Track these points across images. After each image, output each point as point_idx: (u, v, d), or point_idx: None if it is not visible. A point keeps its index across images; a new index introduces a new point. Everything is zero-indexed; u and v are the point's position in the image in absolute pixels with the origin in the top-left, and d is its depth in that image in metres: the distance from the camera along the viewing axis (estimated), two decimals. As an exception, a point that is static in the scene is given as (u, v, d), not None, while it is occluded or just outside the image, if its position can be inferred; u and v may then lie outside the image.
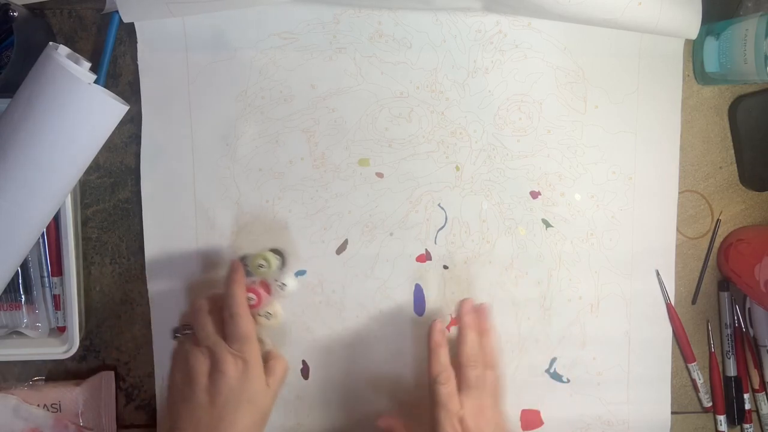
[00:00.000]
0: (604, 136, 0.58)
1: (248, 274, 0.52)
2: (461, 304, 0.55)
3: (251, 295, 0.50)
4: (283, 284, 0.52)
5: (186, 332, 0.49)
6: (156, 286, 0.57)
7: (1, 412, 0.54)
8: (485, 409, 0.50)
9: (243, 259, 0.53)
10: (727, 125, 0.59)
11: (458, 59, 0.57)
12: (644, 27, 0.54)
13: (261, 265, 0.51)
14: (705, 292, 0.61)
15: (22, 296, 0.55)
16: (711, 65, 0.56)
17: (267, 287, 0.52)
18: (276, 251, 0.53)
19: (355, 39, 0.56)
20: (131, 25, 0.55)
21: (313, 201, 0.57)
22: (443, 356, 0.51)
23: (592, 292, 0.59)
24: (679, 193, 0.59)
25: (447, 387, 0.50)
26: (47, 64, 0.46)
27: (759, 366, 0.61)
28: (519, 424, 0.60)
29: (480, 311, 0.55)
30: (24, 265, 0.54)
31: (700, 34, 0.55)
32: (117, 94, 0.49)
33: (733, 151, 0.59)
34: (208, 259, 0.57)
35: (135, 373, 0.59)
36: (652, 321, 0.60)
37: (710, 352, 0.61)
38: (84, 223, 0.57)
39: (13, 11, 0.49)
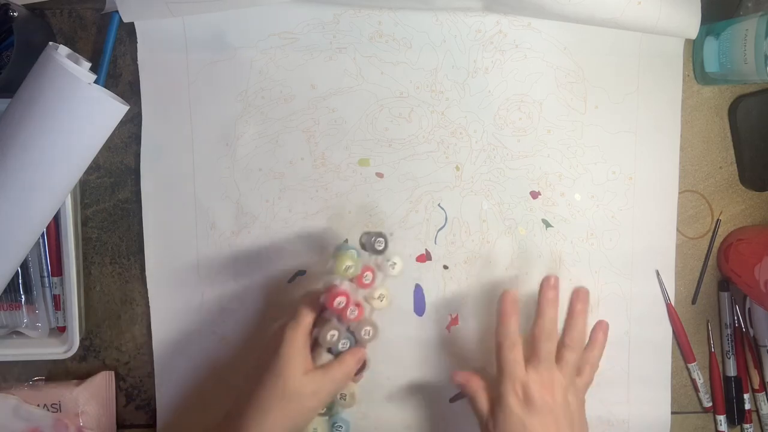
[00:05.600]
0: (604, 136, 0.58)
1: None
2: (545, 279, 0.54)
3: (341, 298, 0.49)
4: (395, 263, 0.51)
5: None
6: (156, 286, 0.57)
7: (1, 412, 0.54)
8: (556, 385, 0.50)
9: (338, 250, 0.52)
10: (727, 125, 0.59)
11: (458, 59, 0.57)
12: (644, 27, 0.54)
13: (348, 267, 0.49)
14: (705, 292, 0.61)
15: (22, 296, 0.55)
16: (711, 65, 0.56)
17: (371, 270, 0.51)
18: (378, 234, 0.52)
19: (355, 39, 0.56)
20: (131, 25, 0.55)
21: (313, 201, 0.57)
22: (511, 325, 0.51)
23: (592, 292, 0.59)
24: (679, 193, 0.59)
25: (512, 353, 0.50)
26: (47, 64, 0.46)
27: (759, 366, 0.61)
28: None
29: (577, 294, 0.54)
30: (24, 265, 0.54)
31: (700, 34, 0.55)
32: (117, 94, 0.49)
33: (733, 151, 0.59)
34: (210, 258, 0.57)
35: (135, 373, 0.59)
36: (652, 321, 0.60)
37: (710, 352, 0.61)
38: (84, 223, 0.57)
39: (13, 11, 0.49)
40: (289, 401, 0.47)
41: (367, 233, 0.53)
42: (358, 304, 0.50)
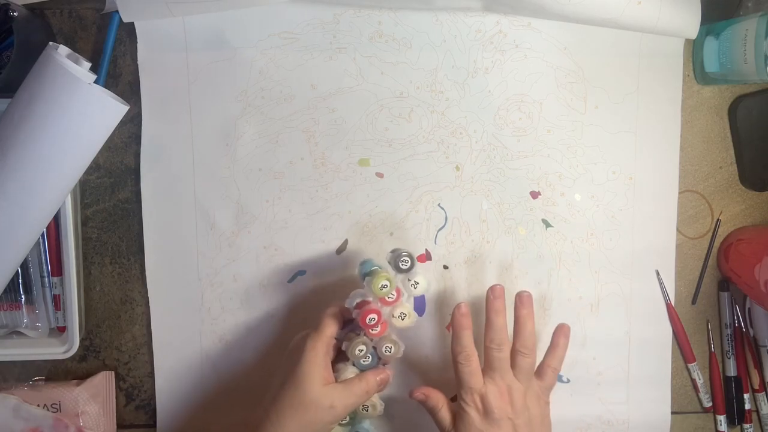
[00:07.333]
0: (604, 136, 0.58)
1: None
2: (490, 289, 0.53)
3: (373, 315, 0.49)
4: (416, 282, 0.51)
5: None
6: (156, 286, 0.57)
7: (1, 412, 0.54)
8: (513, 392, 0.50)
9: (365, 272, 0.52)
10: (727, 125, 0.59)
11: (458, 59, 0.57)
12: (644, 27, 0.54)
13: (384, 286, 0.49)
14: (705, 292, 0.61)
15: (22, 296, 0.55)
16: (711, 65, 0.56)
17: (396, 288, 0.51)
18: (406, 253, 0.51)
19: (355, 39, 0.56)
20: (131, 25, 0.55)
21: (313, 201, 0.57)
22: (465, 338, 0.51)
23: (592, 292, 0.59)
24: (679, 193, 0.59)
25: (467, 366, 0.50)
26: (47, 64, 0.46)
27: (759, 366, 0.61)
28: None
29: (519, 299, 0.54)
30: (24, 265, 0.55)
31: (700, 34, 0.55)
32: (117, 94, 0.49)
33: (733, 151, 0.59)
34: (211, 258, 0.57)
35: (135, 373, 0.59)
36: (652, 321, 0.60)
37: (710, 352, 0.61)
38: (84, 223, 0.57)
39: (13, 11, 0.49)
40: (306, 411, 0.47)
41: (394, 251, 0.52)
42: (382, 322, 0.51)
